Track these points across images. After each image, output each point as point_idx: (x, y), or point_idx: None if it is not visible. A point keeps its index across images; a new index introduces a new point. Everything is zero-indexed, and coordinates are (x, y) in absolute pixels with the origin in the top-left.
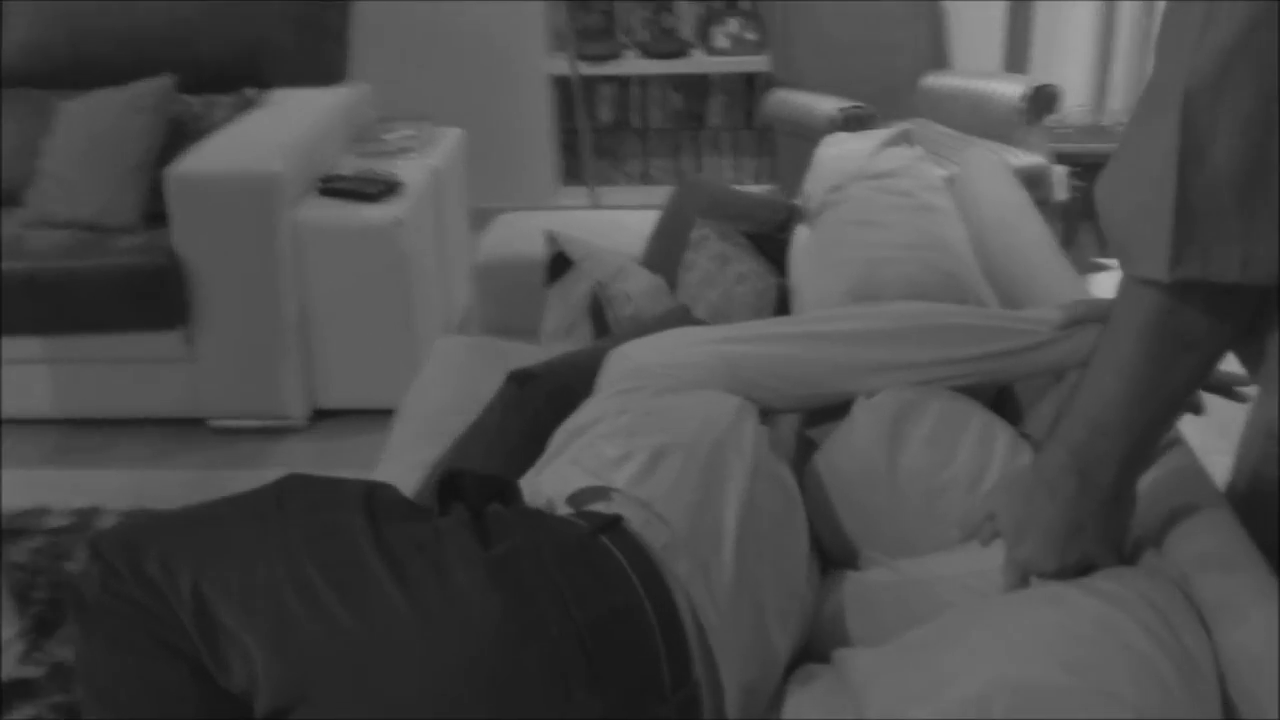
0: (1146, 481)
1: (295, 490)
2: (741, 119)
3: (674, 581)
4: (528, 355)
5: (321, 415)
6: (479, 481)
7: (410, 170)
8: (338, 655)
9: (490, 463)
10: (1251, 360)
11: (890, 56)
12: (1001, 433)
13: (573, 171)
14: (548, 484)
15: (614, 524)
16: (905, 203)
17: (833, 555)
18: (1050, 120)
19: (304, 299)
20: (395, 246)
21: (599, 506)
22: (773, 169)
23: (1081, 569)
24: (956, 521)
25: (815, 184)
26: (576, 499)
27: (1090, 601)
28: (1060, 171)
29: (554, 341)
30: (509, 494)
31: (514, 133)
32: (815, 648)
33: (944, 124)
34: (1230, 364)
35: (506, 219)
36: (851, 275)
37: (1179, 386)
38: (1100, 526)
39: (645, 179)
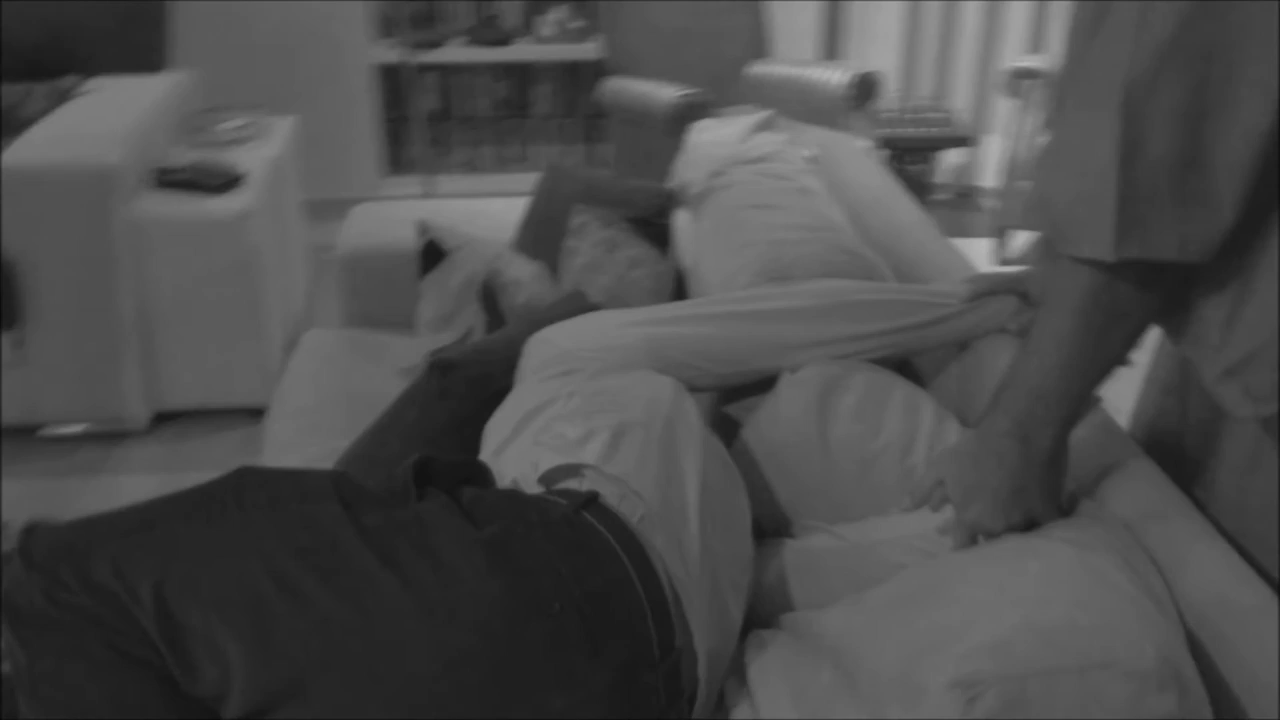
0: (1073, 439)
1: (253, 484)
2: (567, 106)
3: (654, 553)
4: (406, 347)
5: (163, 418)
6: (450, 467)
7: (249, 160)
8: (331, 647)
9: (410, 450)
10: (1173, 327)
11: (716, 44)
12: (924, 402)
13: (396, 161)
14: (510, 466)
15: (592, 500)
16: (787, 186)
17: (764, 526)
18: (871, 106)
19: (143, 296)
20: (242, 239)
21: (571, 484)
22: (604, 156)
23: (1025, 525)
24: (905, 489)
25: (690, 169)
26: (548, 478)
27: (1064, 549)
28: (882, 156)
29: (432, 331)
30: (480, 478)
31: (338, 122)
32: (756, 614)
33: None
34: None
35: (364, 209)
36: (758, 257)
37: (1113, 354)
38: (1041, 486)
39: (471, 167)
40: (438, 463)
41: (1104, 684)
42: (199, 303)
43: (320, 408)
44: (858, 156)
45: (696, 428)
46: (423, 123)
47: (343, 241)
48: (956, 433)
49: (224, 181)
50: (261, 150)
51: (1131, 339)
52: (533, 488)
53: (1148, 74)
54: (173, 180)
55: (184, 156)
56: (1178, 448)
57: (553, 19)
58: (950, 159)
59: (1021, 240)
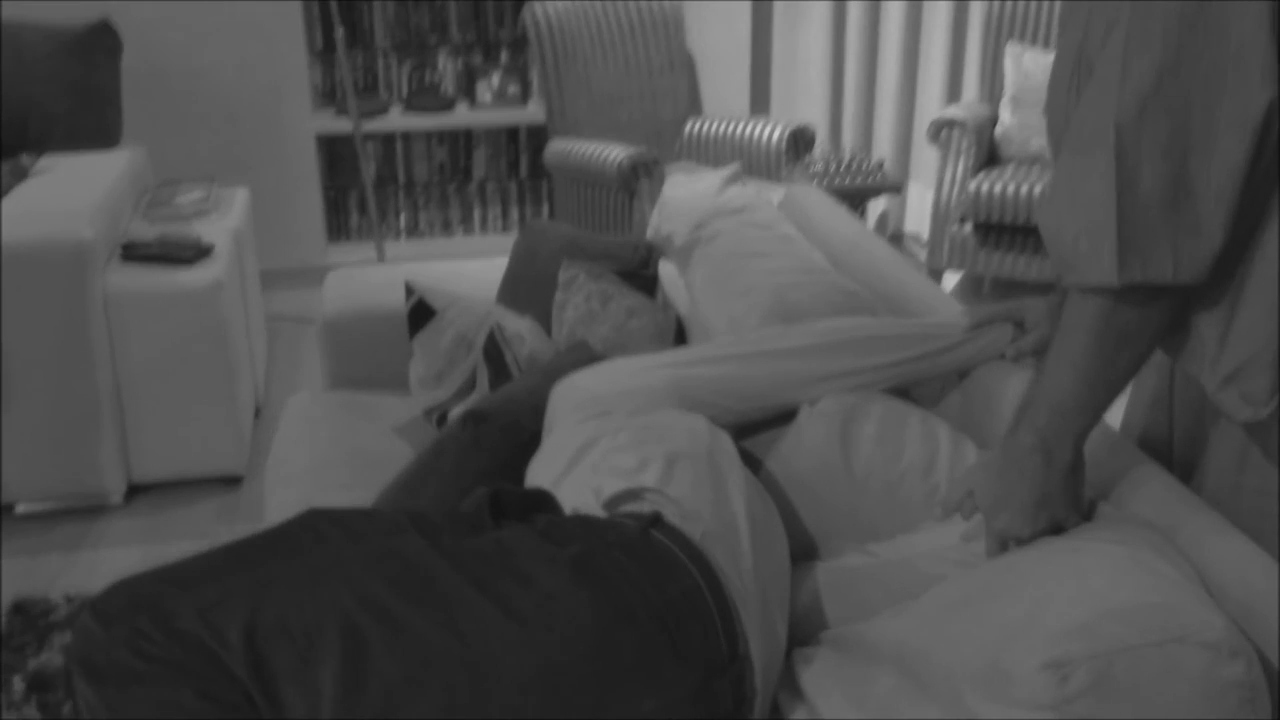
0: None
1: (327, 521)
2: (506, 170)
3: (717, 567)
4: (397, 405)
5: (137, 490)
6: (520, 496)
7: (213, 232)
8: (426, 667)
9: (444, 501)
10: (1171, 346)
11: (653, 105)
12: (939, 425)
13: (337, 229)
14: (569, 496)
15: (657, 520)
16: (770, 234)
17: (792, 552)
18: (805, 158)
19: (115, 369)
20: (214, 309)
21: (633, 507)
22: (547, 216)
23: (1052, 532)
24: (932, 507)
25: (671, 222)
26: (612, 503)
27: (1109, 546)
28: None
29: (425, 389)
30: (548, 506)
31: (281, 192)
32: (793, 636)
33: (713, 165)
34: None
35: (339, 275)
36: (763, 300)
37: (1122, 372)
38: (1064, 494)
39: (413, 233)
40: (508, 494)
41: (1182, 656)
42: (172, 373)
43: (320, 469)
44: (825, 204)
45: (735, 458)
46: (369, 190)
47: (325, 306)
48: (974, 452)
49: (195, 253)
50: (223, 222)
51: (1140, 357)
52: (597, 513)
53: (1134, 118)
54: (140, 254)
55: (148, 231)
56: (1168, 455)
57: (490, 85)
58: (879, 207)
59: (953, 282)
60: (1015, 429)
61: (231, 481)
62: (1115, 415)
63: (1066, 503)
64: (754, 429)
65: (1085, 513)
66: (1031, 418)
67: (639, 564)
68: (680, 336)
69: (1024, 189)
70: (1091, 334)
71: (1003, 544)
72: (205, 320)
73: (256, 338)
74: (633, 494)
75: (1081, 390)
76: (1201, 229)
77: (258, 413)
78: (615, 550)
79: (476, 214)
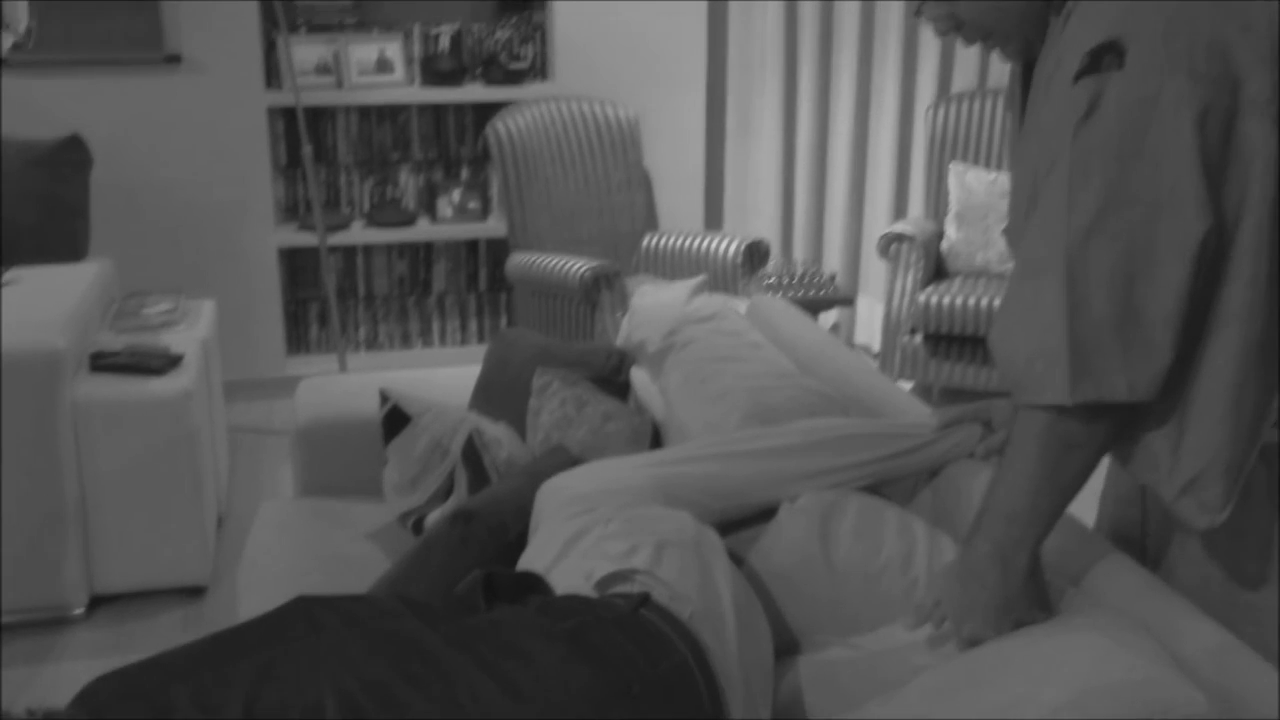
0: (1055, 543)
1: (323, 608)
2: (466, 283)
3: (705, 647)
4: (370, 511)
5: (99, 601)
6: (512, 579)
7: (181, 342)
8: None
9: (433, 597)
10: (1123, 456)
11: (612, 219)
12: (915, 521)
13: (297, 341)
14: (561, 581)
15: (646, 599)
16: (740, 341)
17: (774, 647)
18: (760, 271)
19: (81, 479)
20: (184, 419)
21: (623, 588)
22: (507, 327)
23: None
24: (911, 600)
25: (641, 330)
26: (602, 584)
27: (1088, 630)
28: None
29: (399, 495)
30: (540, 589)
31: (243, 304)
32: None
33: (668, 278)
34: None
35: (310, 384)
36: (741, 404)
37: (1069, 481)
38: (1025, 597)
39: (373, 345)
40: (500, 577)
41: None
42: (139, 483)
43: (294, 575)
44: (789, 313)
45: (720, 550)
46: (332, 303)
47: (298, 413)
48: (950, 546)
49: (164, 363)
50: (191, 332)
51: (1087, 467)
52: (592, 593)
53: (1080, 247)
54: (109, 364)
55: (115, 341)
56: (1140, 549)
57: (450, 200)
58: (830, 319)
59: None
60: (972, 538)
61: (194, 592)
62: (1089, 511)
63: (1028, 604)
64: (735, 526)
65: (1050, 609)
66: (987, 527)
67: (632, 639)
68: (656, 440)
69: (971, 301)
70: (1041, 445)
71: (973, 647)
72: (174, 429)
73: (220, 448)
74: (622, 576)
75: (1032, 499)
76: (1152, 349)
77: (220, 523)
78: (609, 626)
79: (436, 326)
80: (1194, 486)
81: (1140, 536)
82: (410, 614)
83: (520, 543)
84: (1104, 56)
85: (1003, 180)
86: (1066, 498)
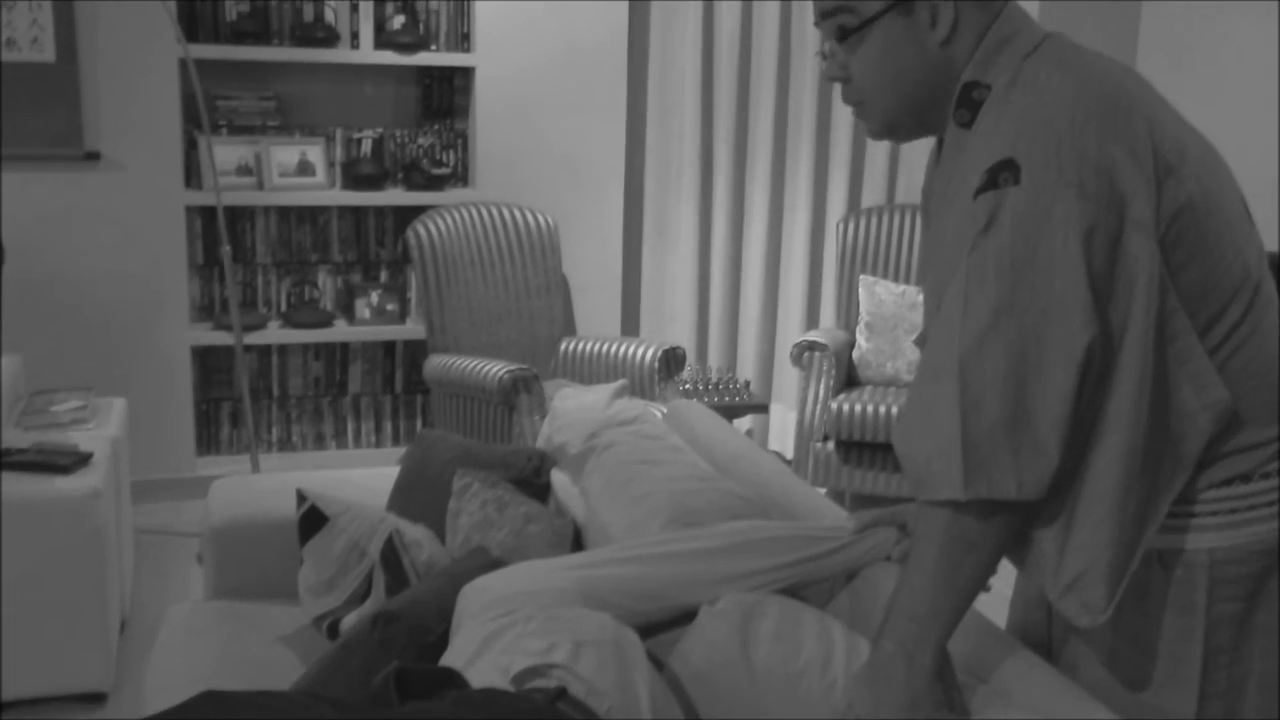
0: (966, 643)
1: (237, 703)
2: (382, 384)
3: None
4: (282, 614)
5: (1, 707)
6: (425, 674)
7: (91, 441)
8: None
9: (354, 695)
10: (1016, 557)
11: (530, 323)
12: (832, 623)
13: (208, 441)
14: (477, 678)
15: (562, 693)
16: (661, 444)
17: None
18: (677, 377)
19: None
20: (91, 519)
21: (540, 683)
22: (421, 430)
23: None
24: (830, 703)
25: (562, 433)
26: (519, 679)
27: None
28: None
29: (315, 596)
30: (454, 684)
31: (154, 402)
32: None
33: (585, 382)
34: None
35: (223, 484)
36: (663, 506)
37: (968, 579)
38: (931, 695)
39: (285, 446)
40: (415, 672)
41: None
42: (43, 584)
43: (206, 678)
44: (709, 417)
45: (640, 651)
46: (246, 403)
47: (211, 514)
48: (867, 649)
49: (73, 461)
50: (101, 430)
51: (985, 566)
52: (508, 687)
53: (974, 352)
54: (15, 462)
55: (23, 438)
56: (1047, 648)
57: (368, 302)
58: (744, 425)
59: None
60: (879, 638)
61: (95, 699)
62: (1000, 615)
63: (935, 703)
64: (656, 630)
65: (962, 709)
66: (891, 627)
67: None
68: (577, 543)
69: (882, 409)
70: (939, 545)
71: None
72: (81, 529)
73: (126, 549)
74: (539, 671)
75: (933, 599)
76: (1039, 451)
77: (123, 627)
78: (525, 718)
79: (350, 427)
80: (1077, 585)
81: (1047, 639)
82: (324, 705)
83: (441, 644)
84: (1000, 174)
85: (910, 292)
86: (966, 598)
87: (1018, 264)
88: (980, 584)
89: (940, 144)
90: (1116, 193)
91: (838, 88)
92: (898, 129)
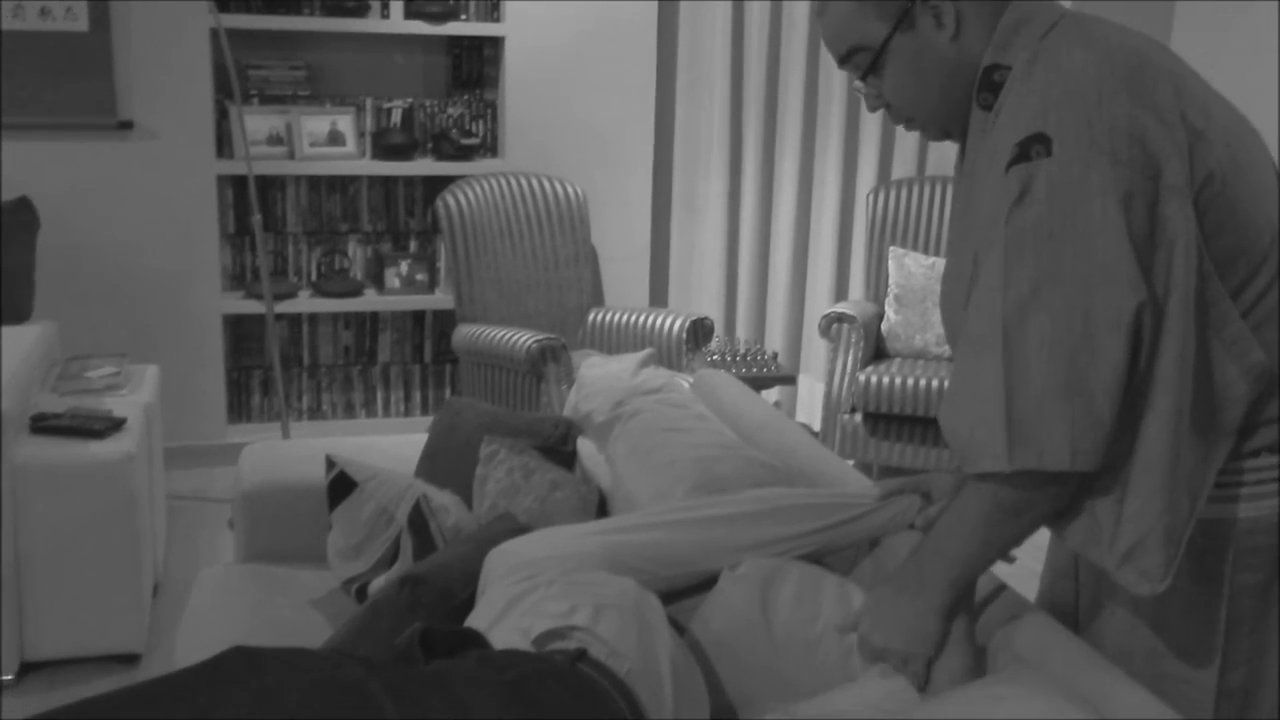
0: (995, 614)
1: (265, 657)
2: (411, 354)
3: (642, 704)
4: (312, 578)
5: (29, 668)
6: (449, 635)
7: (124, 407)
8: None
9: (380, 656)
10: (1062, 528)
11: (559, 294)
12: (852, 589)
13: (238, 409)
14: (500, 639)
15: (583, 654)
16: (687, 412)
17: (712, 715)
18: (704, 348)
19: (16, 542)
20: (124, 484)
21: (561, 645)
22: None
23: (909, 665)
24: (848, 667)
25: (589, 401)
26: (540, 640)
27: (1022, 692)
28: None
29: (344, 561)
30: (477, 643)
31: (185, 371)
32: None
33: (612, 353)
34: None
35: (255, 449)
36: (688, 473)
37: (1006, 540)
38: (925, 627)
39: (315, 414)
40: (438, 632)
41: None
42: (76, 547)
43: (236, 640)
44: (735, 387)
45: (662, 616)
46: (276, 371)
47: (242, 479)
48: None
49: (106, 426)
50: (135, 396)
51: (1025, 532)
52: (530, 649)
53: (1017, 322)
54: (50, 427)
55: (57, 404)
56: (1074, 616)
57: (397, 272)
58: (771, 397)
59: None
60: (903, 563)
61: (128, 660)
62: (1029, 588)
63: (926, 638)
64: (678, 595)
65: (981, 668)
66: (916, 556)
67: (570, 692)
68: (602, 509)
69: (910, 382)
70: (983, 509)
71: (873, 657)
72: (114, 494)
73: (158, 514)
74: (560, 633)
75: (964, 544)
76: (1094, 420)
77: (156, 590)
78: (547, 679)
79: (380, 396)
80: (1134, 554)
81: (1074, 609)
82: (355, 663)
83: (467, 608)
84: (1032, 146)
85: (940, 265)
86: (995, 554)
87: (1057, 232)
88: (1015, 545)
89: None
90: (1150, 158)
91: None
92: (951, 129)
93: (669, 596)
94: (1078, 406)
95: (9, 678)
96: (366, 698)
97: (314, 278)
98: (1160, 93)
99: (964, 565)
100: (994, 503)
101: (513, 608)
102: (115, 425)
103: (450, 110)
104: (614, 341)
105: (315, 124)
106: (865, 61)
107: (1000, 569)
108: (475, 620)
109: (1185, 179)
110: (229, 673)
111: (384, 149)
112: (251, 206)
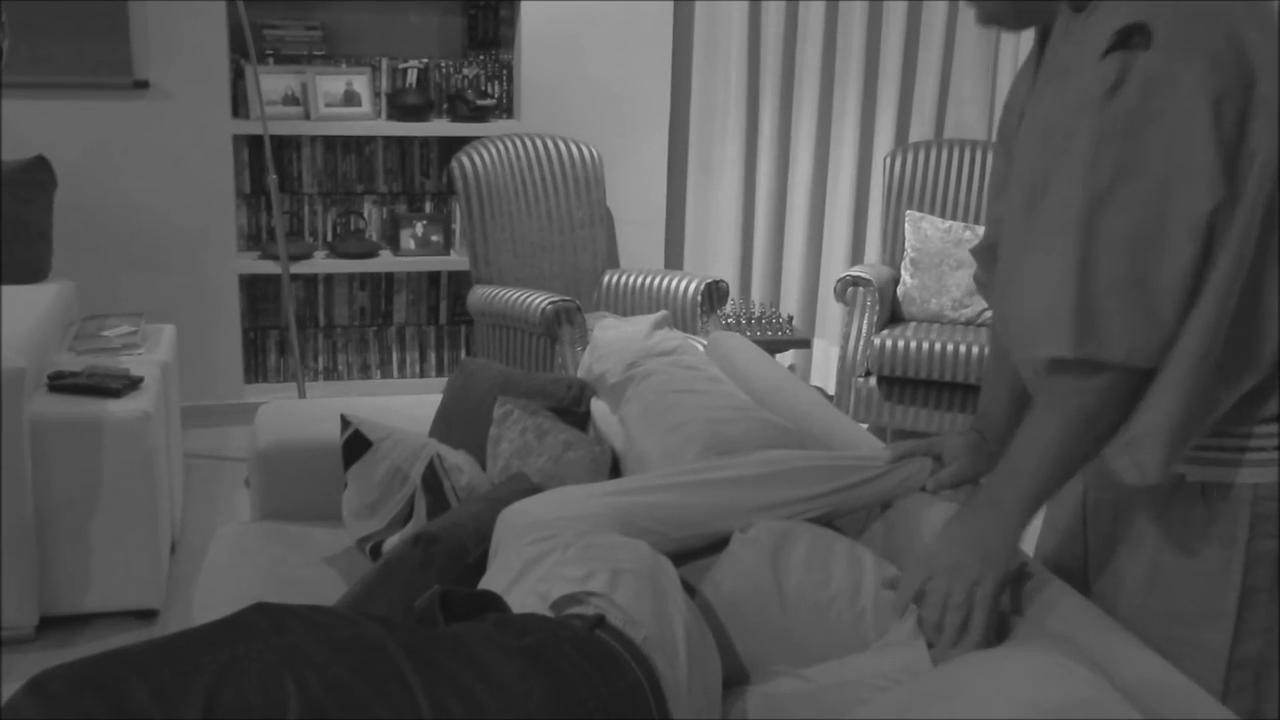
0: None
1: (285, 614)
2: (427, 315)
3: (658, 670)
4: (327, 536)
5: (48, 623)
6: (469, 597)
7: (141, 366)
8: None
9: (394, 614)
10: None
11: (573, 256)
12: (863, 552)
13: (254, 369)
14: (517, 603)
15: (601, 621)
16: (699, 374)
17: (724, 677)
18: (719, 311)
19: (35, 499)
20: (142, 441)
21: (578, 610)
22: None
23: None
24: (859, 631)
25: (603, 362)
26: (558, 605)
27: (1031, 655)
28: None
29: (358, 519)
30: (496, 607)
31: (202, 331)
32: None
33: (627, 315)
34: None
35: (270, 409)
36: (699, 435)
37: (1083, 453)
38: (1011, 555)
39: (331, 375)
40: (457, 595)
41: None
42: (94, 504)
43: (252, 597)
44: (749, 349)
45: (675, 580)
46: (292, 331)
47: (257, 438)
48: (889, 579)
49: (124, 384)
50: (151, 355)
51: (1100, 441)
52: (548, 613)
53: (1096, 213)
54: (68, 384)
55: (75, 362)
56: (1081, 577)
57: (413, 234)
58: (785, 361)
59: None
60: (975, 492)
61: (146, 615)
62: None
63: (997, 557)
64: (690, 557)
65: (1002, 633)
66: (991, 481)
67: (587, 659)
68: (615, 470)
69: (925, 346)
70: (1060, 416)
71: (914, 598)
72: (131, 452)
73: (175, 472)
74: (578, 598)
75: (1040, 461)
76: (1155, 318)
77: (174, 548)
78: (565, 644)
79: (395, 357)
80: (1134, 444)
81: (1082, 569)
82: (374, 621)
83: (480, 566)
84: (1132, 36)
85: (957, 228)
86: (1071, 470)
87: (1143, 127)
88: (1086, 460)
89: (1040, 51)
90: (1246, 66)
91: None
92: (1001, 16)
93: (680, 557)
94: (1140, 303)
95: (28, 632)
96: (387, 659)
97: (329, 238)
98: (1267, 7)
99: (1038, 481)
100: (1063, 413)
101: (529, 570)
102: (132, 384)
103: (466, 71)
104: (628, 304)
105: (331, 84)
106: None
107: None
108: (491, 581)
109: (1276, 95)
110: (251, 628)
111: (399, 109)
112: (267, 167)
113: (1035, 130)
